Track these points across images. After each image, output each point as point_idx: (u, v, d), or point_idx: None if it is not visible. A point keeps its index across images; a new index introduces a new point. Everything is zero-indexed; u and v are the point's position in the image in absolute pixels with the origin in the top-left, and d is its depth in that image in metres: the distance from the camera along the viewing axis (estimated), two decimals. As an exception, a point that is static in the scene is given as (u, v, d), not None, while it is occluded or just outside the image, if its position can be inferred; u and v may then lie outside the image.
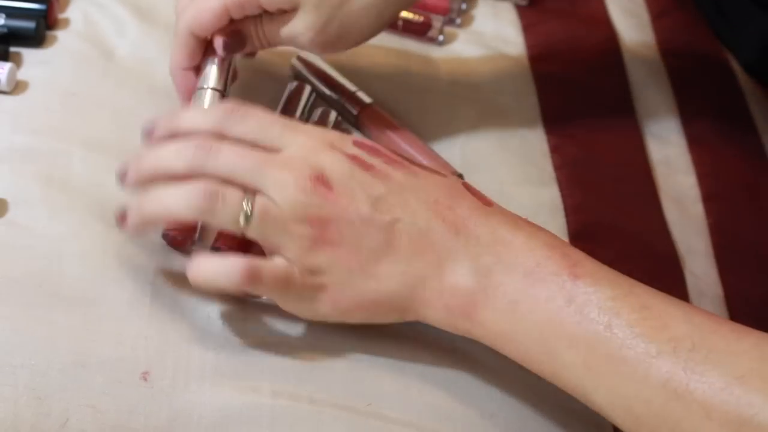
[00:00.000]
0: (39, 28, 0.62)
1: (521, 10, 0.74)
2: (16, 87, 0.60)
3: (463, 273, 0.46)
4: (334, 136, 0.49)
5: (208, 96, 0.56)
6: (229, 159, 0.48)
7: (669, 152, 0.66)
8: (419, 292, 0.47)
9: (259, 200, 0.47)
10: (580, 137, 0.66)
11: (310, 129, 0.49)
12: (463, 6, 0.72)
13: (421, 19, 0.69)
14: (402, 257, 0.47)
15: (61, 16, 0.65)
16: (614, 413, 0.44)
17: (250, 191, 0.47)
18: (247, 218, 0.47)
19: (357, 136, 0.50)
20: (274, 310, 0.52)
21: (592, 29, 0.73)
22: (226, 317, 0.51)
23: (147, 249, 0.53)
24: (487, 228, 0.47)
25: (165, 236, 0.53)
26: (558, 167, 0.63)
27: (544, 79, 0.69)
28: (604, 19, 0.74)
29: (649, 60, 0.72)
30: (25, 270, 0.51)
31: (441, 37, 0.70)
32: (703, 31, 0.73)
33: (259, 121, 0.49)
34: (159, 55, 0.63)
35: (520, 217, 0.48)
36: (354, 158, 0.48)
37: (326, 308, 0.48)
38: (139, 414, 0.47)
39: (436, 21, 0.70)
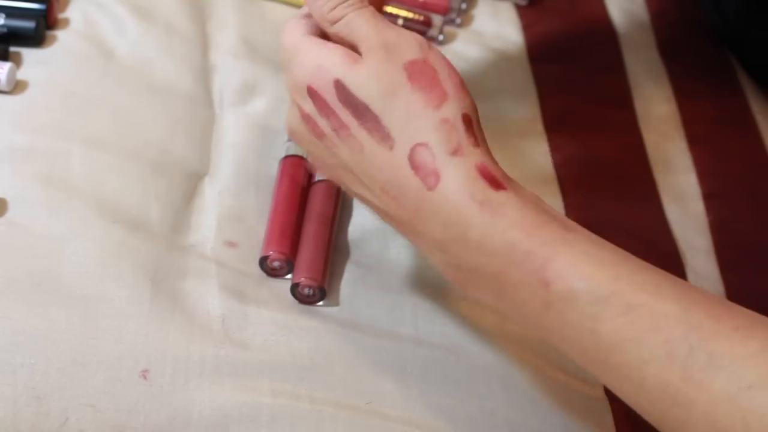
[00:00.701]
0: (39, 27, 0.62)
1: (521, 10, 0.74)
2: (16, 87, 0.60)
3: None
4: (295, 82, 0.46)
5: None
6: None
7: (669, 151, 0.66)
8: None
9: None
10: (580, 136, 0.65)
11: (293, 71, 0.47)
12: (463, 5, 0.72)
13: (421, 18, 0.69)
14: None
15: (61, 15, 0.65)
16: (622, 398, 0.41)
17: None
18: None
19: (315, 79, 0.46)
20: (274, 307, 0.52)
21: (592, 29, 0.73)
22: (226, 315, 0.51)
23: (147, 247, 0.53)
24: (436, 225, 0.44)
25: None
26: (558, 166, 0.63)
27: (544, 79, 0.69)
28: (604, 19, 0.74)
29: (649, 60, 0.72)
30: (24, 269, 0.51)
31: (441, 37, 0.70)
32: (703, 31, 0.73)
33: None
34: (158, 54, 0.63)
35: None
36: (307, 120, 0.47)
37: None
38: (138, 412, 0.47)
39: (436, 20, 0.70)
